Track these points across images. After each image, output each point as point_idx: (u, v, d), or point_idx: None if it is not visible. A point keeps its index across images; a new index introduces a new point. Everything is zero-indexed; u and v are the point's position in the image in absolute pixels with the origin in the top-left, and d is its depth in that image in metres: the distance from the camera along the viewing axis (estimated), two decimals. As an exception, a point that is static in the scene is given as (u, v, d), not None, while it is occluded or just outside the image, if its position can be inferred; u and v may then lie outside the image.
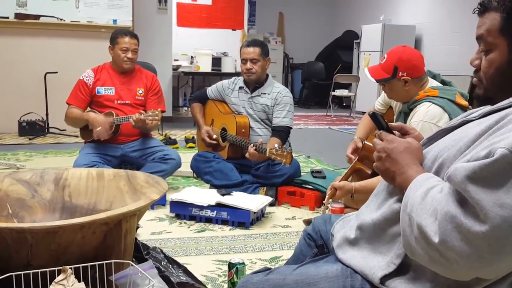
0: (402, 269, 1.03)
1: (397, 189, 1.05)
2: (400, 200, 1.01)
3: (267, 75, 3.35)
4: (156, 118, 3.05)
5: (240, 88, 3.35)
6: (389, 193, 1.10)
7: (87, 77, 3.26)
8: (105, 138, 3.13)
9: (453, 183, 0.88)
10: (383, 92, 2.48)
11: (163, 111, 3.35)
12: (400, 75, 2.23)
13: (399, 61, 2.22)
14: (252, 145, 2.97)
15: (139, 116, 3.04)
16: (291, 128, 3.27)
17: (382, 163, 1.08)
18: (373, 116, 1.18)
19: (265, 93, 3.28)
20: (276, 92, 3.27)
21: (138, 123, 3.06)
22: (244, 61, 3.25)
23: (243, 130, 3.22)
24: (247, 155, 2.99)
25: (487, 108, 1.03)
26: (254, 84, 3.29)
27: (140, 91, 3.33)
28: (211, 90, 3.51)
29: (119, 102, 3.25)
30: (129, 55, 3.24)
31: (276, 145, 2.86)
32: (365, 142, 2.50)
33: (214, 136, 3.34)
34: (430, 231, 0.87)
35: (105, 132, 3.10)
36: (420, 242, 0.90)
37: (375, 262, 1.07)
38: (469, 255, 0.83)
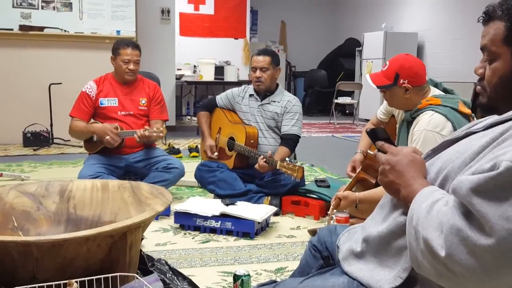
0: (409, 283, 1.02)
1: (402, 202, 1.04)
2: (405, 213, 1.01)
3: (277, 84, 3.37)
4: (161, 134, 3.04)
5: (251, 95, 3.37)
6: (394, 206, 1.09)
7: (89, 89, 3.25)
8: (117, 144, 3.11)
9: (458, 195, 0.87)
10: (385, 101, 2.48)
11: (166, 120, 3.37)
12: (401, 82, 2.23)
13: (400, 68, 2.23)
14: (262, 157, 2.97)
15: (143, 132, 3.02)
16: (300, 136, 3.27)
17: (386, 176, 1.07)
18: (372, 132, 1.14)
19: (275, 101, 3.29)
20: (286, 100, 3.28)
21: (142, 139, 3.06)
22: (254, 69, 3.27)
23: (252, 140, 3.23)
24: (256, 166, 3.00)
25: (491, 119, 1.03)
26: (264, 92, 3.31)
27: (143, 101, 3.33)
28: (220, 98, 3.51)
29: (122, 113, 3.25)
30: (131, 66, 3.22)
31: (287, 159, 2.86)
32: (369, 151, 2.50)
33: (215, 154, 3.37)
34: (436, 244, 0.87)
35: (115, 138, 3.07)
36: (427, 256, 0.89)
37: (382, 276, 1.06)
38: (475, 268, 0.83)
